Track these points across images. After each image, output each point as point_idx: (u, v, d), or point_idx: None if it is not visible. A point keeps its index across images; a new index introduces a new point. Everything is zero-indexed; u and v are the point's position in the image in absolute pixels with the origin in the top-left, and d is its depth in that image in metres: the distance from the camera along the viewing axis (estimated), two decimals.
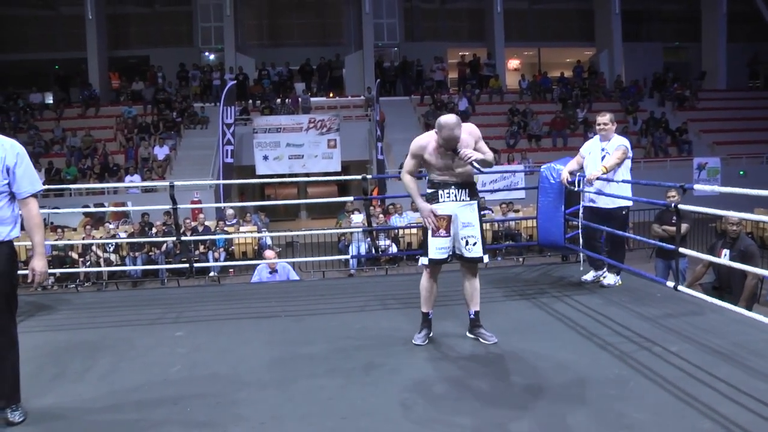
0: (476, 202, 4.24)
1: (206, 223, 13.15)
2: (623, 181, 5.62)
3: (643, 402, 3.23)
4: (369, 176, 6.85)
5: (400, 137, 19.50)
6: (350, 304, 5.51)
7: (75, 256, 12.62)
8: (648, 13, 26.45)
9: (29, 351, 3.44)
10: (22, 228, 3.43)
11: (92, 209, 14.43)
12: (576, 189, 5.85)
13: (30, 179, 3.35)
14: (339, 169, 18.69)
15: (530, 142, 19.93)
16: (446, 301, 5.07)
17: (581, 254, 6.17)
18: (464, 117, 20.23)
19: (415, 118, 21.00)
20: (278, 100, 21.13)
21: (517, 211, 14.34)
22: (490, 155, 4.13)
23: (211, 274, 11.34)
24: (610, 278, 5.75)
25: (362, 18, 23.03)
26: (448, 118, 4.03)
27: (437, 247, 4.15)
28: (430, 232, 4.15)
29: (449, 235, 4.16)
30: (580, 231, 6.01)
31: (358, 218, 13.02)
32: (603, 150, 5.70)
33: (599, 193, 5.68)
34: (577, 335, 4.39)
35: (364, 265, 12.15)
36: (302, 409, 3.30)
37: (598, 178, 5.51)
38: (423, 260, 4.21)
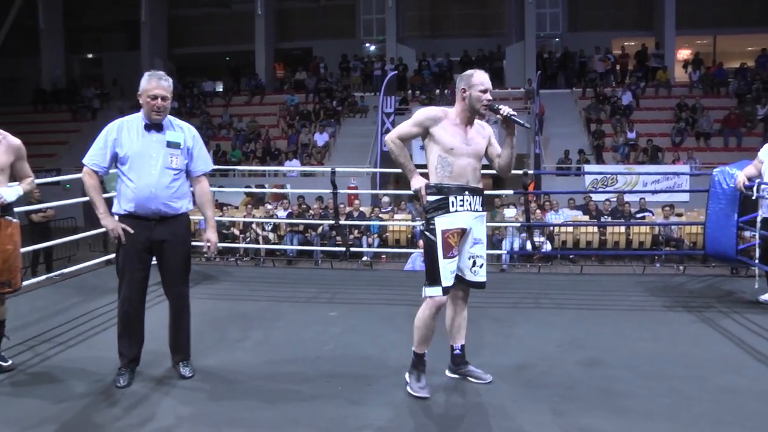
0: (485, 213, 3.51)
1: (361, 209, 13.57)
2: None
3: None
4: (530, 171, 6.71)
5: (559, 131, 18.93)
6: (503, 300, 5.43)
7: (236, 232, 13.53)
8: None
9: (196, 316, 3.77)
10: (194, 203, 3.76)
11: (253, 190, 15.43)
12: (754, 196, 5.35)
13: (204, 159, 3.69)
14: None
15: (698, 141, 18.39)
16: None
17: (756, 269, 5.63)
18: (627, 112, 19.25)
19: (576, 112, 20.21)
20: (437, 91, 21.29)
21: (680, 215, 13.39)
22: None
23: (364, 258, 11.68)
24: None
25: (524, 8, 22.48)
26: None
27: (451, 271, 3.32)
28: (440, 253, 3.29)
29: (458, 254, 3.38)
30: (757, 243, 5.49)
31: (510, 213, 12.79)
32: None
33: None
34: (749, 358, 3.98)
35: (517, 261, 11.93)
36: (450, 400, 3.31)
37: None
38: (432, 291, 3.30)
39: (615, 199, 13.61)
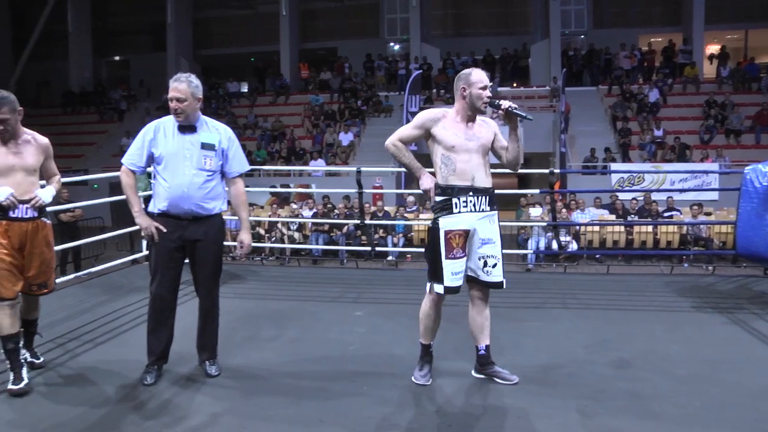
0: (497, 212, 3.49)
1: (386, 208, 13.54)
2: None
3: None
4: (556, 170, 6.66)
5: (585, 130, 18.72)
6: (529, 300, 5.39)
7: (262, 231, 13.60)
8: None
9: (222, 315, 3.80)
10: (229, 204, 3.80)
11: (279, 189, 15.51)
12: None
13: (239, 161, 3.73)
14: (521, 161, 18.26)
15: (728, 138, 17.99)
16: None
17: None
18: (654, 109, 18.96)
19: (602, 110, 19.94)
20: None
21: (708, 214, 13.15)
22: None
23: (389, 258, 11.66)
24: None
25: (549, 5, 22.29)
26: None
27: (453, 272, 3.36)
28: (443, 253, 3.35)
29: (465, 255, 3.40)
30: None
31: (536, 212, 12.66)
32: None
33: None
34: None
35: (542, 261, 11.83)
36: (475, 401, 3.29)
37: None
38: (436, 288, 3.40)
39: (642, 198, 13.43)
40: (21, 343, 3.49)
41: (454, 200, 3.36)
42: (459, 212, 3.36)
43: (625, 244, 12.50)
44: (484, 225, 3.42)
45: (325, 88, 22.86)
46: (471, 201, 3.37)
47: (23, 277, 3.50)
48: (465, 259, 3.41)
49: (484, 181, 3.41)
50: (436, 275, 3.39)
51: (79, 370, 3.73)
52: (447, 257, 3.35)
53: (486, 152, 3.45)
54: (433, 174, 3.48)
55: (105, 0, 26.46)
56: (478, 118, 3.46)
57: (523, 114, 3.36)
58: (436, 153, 3.43)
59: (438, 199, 3.41)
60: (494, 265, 3.44)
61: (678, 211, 13.21)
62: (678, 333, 4.45)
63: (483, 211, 3.40)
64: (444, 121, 3.40)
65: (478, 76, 3.38)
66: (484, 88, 3.37)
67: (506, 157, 3.51)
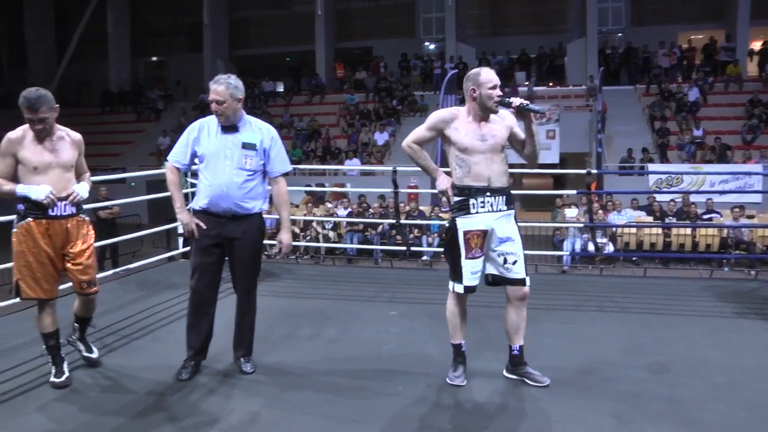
0: (514, 211, 3.49)
1: (421, 208, 13.55)
2: None
3: None
4: (594, 170, 6.58)
5: (622, 129, 18.43)
6: (564, 302, 5.33)
7: (297, 230, 13.70)
8: None
9: (258, 312, 3.84)
10: (271, 203, 3.84)
11: (314, 188, 15.61)
12: None
13: (281, 160, 3.73)
14: (557, 161, 18.03)
15: None
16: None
17: None
18: (694, 108, 18.55)
19: (639, 109, 19.59)
20: None
21: (751, 217, 12.82)
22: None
23: (424, 258, 11.65)
24: None
25: (586, 3, 21.97)
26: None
27: (472, 272, 3.40)
28: (463, 254, 3.38)
29: (483, 255, 3.42)
30: None
31: (572, 213, 12.52)
32: None
33: None
34: None
35: (578, 263, 11.68)
36: (509, 403, 3.26)
37: None
38: (457, 287, 3.44)
39: (680, 200, 13.18)
40: (61, 339, 3.58)
41: (471, 201, 3.37)
42: (476, 212, 3.37)
43: (662, 247, 12.27)
44: (502, 224, 3.41)
45: (360, 87, 22.94)
46: (488, 201, 3.38)
47: (74, 277, 3.55)
48: (483, 258, 3.43)
49: (500, 180, 3.40)
50: (456, 275, 3.43)
51: (115, 365, 3.80)
52: (467, 257, 3.38)
53: (501, 150, 3.44)
54: (449, 174, 3.49)
55: (143, 2, 27.01)
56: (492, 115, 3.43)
57: (536, 109, 3.37)
58: (451, 154, 3.45)
59: (455, 199, 3.42)
60: (514, 262, 3.42)
61: (718, 213, 12.93)
62: (717, 338, 4.36)
63: (500, 210, 3.41)
64: (456, 122, 3.41)
65: (487, 76, 3.37)
66: (494, 87, 3.35)
67: (525, 152, 3.52)
